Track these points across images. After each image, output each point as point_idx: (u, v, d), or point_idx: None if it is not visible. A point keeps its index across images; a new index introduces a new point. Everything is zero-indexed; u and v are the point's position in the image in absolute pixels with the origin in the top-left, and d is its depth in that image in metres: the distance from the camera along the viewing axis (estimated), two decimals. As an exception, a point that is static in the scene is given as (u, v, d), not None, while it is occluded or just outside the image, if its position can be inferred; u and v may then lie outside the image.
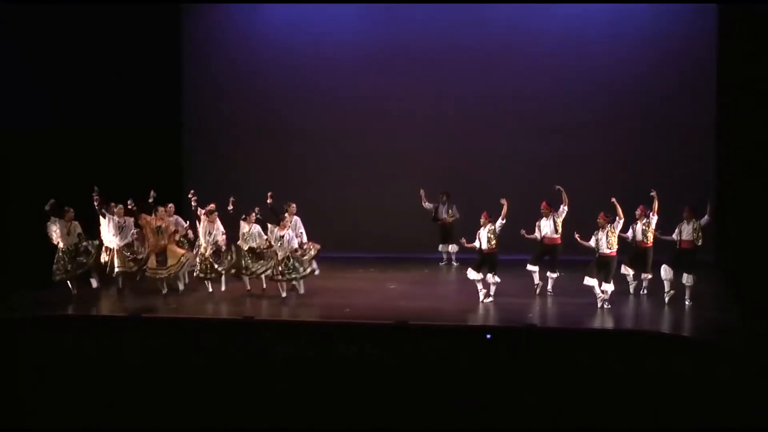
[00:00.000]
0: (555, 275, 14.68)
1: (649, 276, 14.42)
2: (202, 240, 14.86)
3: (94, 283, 15.29)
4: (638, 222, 14.25)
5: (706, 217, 13.94)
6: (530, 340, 11.75)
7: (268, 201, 15.01)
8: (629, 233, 14.28)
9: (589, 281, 13.77)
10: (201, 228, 14.90)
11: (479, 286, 14.17)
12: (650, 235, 14.21)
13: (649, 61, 18.21)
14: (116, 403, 10.12)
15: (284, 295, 14.57)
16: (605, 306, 13.61)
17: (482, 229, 14.15)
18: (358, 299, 14.78)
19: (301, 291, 14.75)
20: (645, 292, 14.53)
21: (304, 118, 19.67)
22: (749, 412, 9.46)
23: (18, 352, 11.57)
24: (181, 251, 15.00)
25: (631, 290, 14.60)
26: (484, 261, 14.13)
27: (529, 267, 14.79)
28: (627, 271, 14.51)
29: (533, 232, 14.72)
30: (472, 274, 14.17)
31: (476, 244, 14.24)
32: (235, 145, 19.96)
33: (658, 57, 18.16)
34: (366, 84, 19.50)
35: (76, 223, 14.97)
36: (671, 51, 18.11)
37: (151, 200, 15.03)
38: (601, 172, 18.20)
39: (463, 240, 14.62)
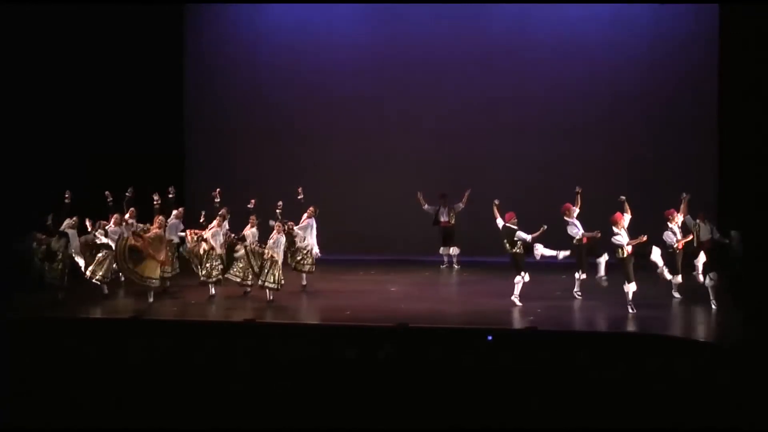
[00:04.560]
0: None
1: (679, 279, 14.16)
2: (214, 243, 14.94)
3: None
4: (674, 225, 14.00)
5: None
6: (531, 341, 11.74)
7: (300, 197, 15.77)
8: (665, 238, 13.97)
9: (629, 287, 13.46)
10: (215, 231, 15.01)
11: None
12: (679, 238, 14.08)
13: (651, 61, 18.26)
14: (117, 404, 10.12)
15: (270, 298, 14.50)
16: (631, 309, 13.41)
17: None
18: (358, 301, 14.77)
19: (269, 297, 14.53)
20: (678, 295, 14.27)
21: (306, 120, 19.72)
22: (750, 413, 9.45)
23: (19, 353, 11.57)
24: (156, 273, 14.58)
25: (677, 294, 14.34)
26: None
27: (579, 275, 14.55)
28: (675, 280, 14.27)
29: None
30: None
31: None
32: (236, 146, 20.00)
33: (660, 57, 18.21)
34: (367, 86, 19.54)
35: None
36: (673, 51, 18.15)
37: (171, 196, 15.61)
38: (604, 173, 18.20)
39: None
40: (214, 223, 14.98)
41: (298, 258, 15.50)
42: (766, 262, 14.48)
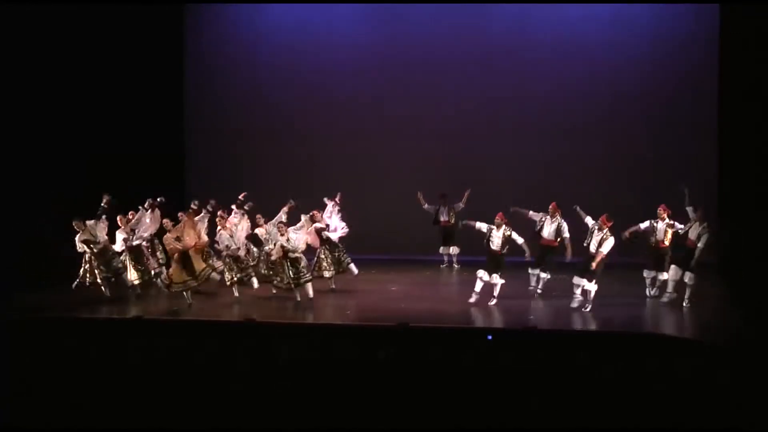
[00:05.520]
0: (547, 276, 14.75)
1: (663, 276, 14.30)
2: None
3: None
4: (660, 221, 14.11)
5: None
6: (531, 341, 11.75)
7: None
8: (654, 233, 14.12)
9: (579, 281, 13.68)
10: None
11: (479, 287, 14.10)
12: (670, 236, 14.10)
13: (651, 61, 18.23)
14: (117, 404, 10.13)
15: (274, 291, 14.58)
16: (587, 307, 13.54)
17: (496, 230, 14.07)
18: (358, 301, 14.79)
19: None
20: (657, 293, 14.43)
21: (306, 120, 19.70)
22: (750, 413, 9.45)
23: (19, 353, 11.58)
24: (202, 264, 14.48)
25: (649, 292, 14.52)
26: (498, 262, 14.11)
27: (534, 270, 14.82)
28: (648, 274, 14.43)
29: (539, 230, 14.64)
30: (486, 276, 14.10)
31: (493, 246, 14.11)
32: (236, 146, 19.97)
33: (660, 57, 18.18)
34: (367, 86, 19.52)
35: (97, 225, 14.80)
36: (673, 51, 18.13)
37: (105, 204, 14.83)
38: (604, 173, 18.20)
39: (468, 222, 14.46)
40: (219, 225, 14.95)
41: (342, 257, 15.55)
42: (766, 262, 14.46)
